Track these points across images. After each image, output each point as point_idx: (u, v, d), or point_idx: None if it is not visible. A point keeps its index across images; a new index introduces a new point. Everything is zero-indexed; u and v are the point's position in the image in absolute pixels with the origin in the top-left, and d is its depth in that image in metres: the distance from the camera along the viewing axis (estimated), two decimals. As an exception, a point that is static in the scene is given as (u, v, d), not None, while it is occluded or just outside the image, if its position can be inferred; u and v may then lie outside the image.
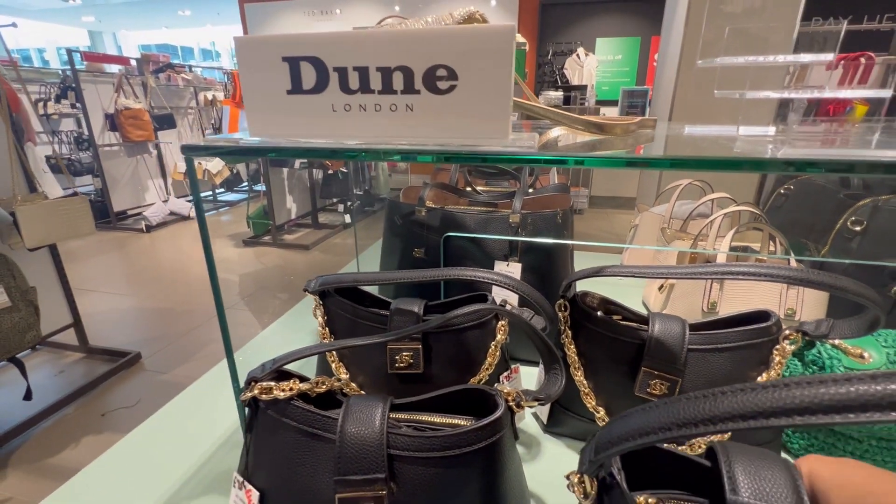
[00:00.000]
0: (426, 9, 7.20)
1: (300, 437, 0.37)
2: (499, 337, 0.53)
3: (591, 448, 0.28)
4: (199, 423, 0.63)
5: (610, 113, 5.33)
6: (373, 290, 0.64)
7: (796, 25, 2.55)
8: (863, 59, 2.72)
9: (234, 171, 5.31)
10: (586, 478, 0.29)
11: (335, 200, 4.58)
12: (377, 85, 0.36)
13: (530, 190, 0.89)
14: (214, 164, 4.81)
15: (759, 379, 0.48)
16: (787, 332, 0.48)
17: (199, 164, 4.75)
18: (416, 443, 0.35)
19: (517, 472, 0.39)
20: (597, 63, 6.28)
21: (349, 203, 4.38)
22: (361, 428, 0.35)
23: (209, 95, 5.06)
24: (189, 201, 4.65)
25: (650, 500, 0.29)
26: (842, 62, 2.99)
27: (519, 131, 0.49)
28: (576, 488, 0.29)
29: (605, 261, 1.16)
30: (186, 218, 4.56)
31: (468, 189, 0.90)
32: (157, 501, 0.50)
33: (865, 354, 0.48)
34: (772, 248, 0.77)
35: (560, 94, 4.97)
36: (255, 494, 0.37)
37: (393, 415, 0.38)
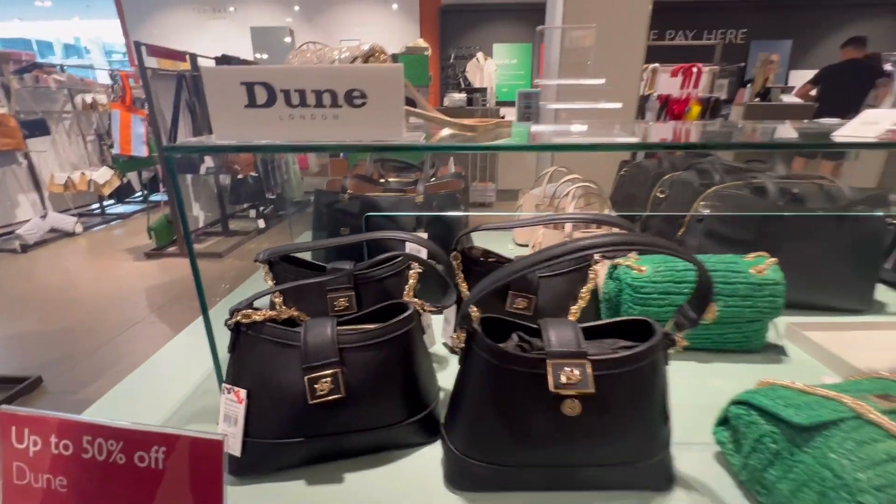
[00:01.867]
0: (327, 10, 7.16)
1: (274, 347, 0.53)
2: (411, 282, 0.72)
3: (461, 313, 0.48)
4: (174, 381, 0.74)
5: (508, 113, 5.81)
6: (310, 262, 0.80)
7: (644, 38, 3.08)
8: (694, 69, 3.34)
9: (125, 180, 4.89)
10: (459, 331, 0.49)
11: (245, 206, 4.45)
12: (312, 101, 0.54)
13: (432, 179, 1.10)
14: (101, 174, 4.40)
15: (581, 290, 0.73)
16: (597, 257, 0.74)
17: (83, 174, 4.32)
18: (355, 337, 0.53)
19: (425, 355, 0.59)
20: (495, 67, 6.77)
21: (262, 208, 4.29)
22: (319, 332, 0.52)
23: (88, 99, 4.59)
24: (74, 215, 4.21)
25: (500, 344, 0.51)
26: (681, 70, 3.62)
27: (425, 132, 0.68)
28: (452, 341, 0.50)
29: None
30: (71, 234, 4.12)
31: (381, 180, 1.08)
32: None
33: (643, 268, 0.76)
34: (606, 210, 1.06)
35: (463, 96, 5.32)
36: (243, 392, 0.53)
37: (339, 327, 0.56)
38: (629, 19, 3.02)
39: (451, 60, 7.08)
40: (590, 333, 0.52)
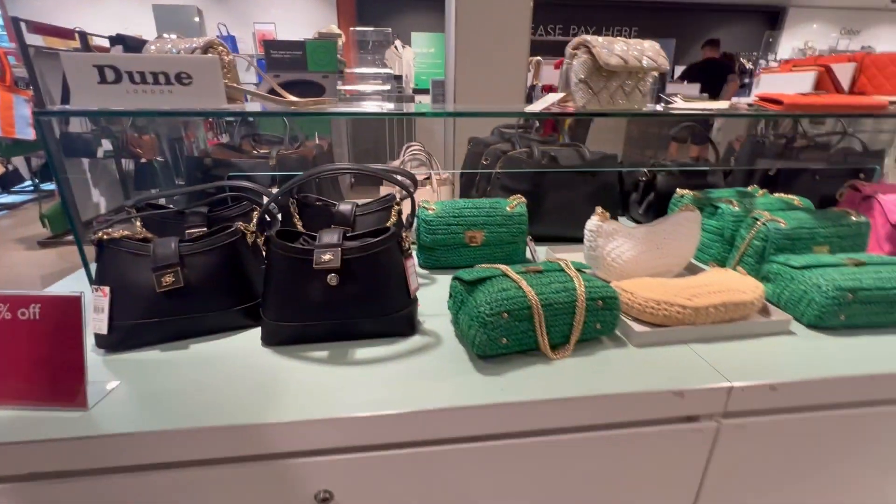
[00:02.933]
0: (238, -9, 6.88)
1: (130, 256, 0.74)
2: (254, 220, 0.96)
3: (257, 220, 0.73)
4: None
5: (425, 99, 6.07)
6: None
7: (527, 34, 3.46)
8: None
9: (10, 167, 4.53)
10: (260, 235, 0.74)
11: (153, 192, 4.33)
12: (150, 80, 0.75)
13: (299, 148, 1.33)
14: (-19, 160, 4.06)
15: (387, 223, 1.01)
16: (398, 198, 1.02)
17: (-42, 160, 3.96)
18: (189, 247, 0.76)
19: (251, 262, 0.84)
20: (413, 55, 6.97)
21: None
22: (164, 244, 0.75)
23: (-41, 77, 4.17)
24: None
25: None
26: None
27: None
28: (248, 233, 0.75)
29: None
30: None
31: (254, 151, 1.30)
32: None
33: (433, 208, 1.05)
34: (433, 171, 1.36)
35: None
36: (107, 289, 0.74)
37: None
38: (514, 15, 3.37)
39: (370, 47, 7.17)
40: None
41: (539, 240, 1.18)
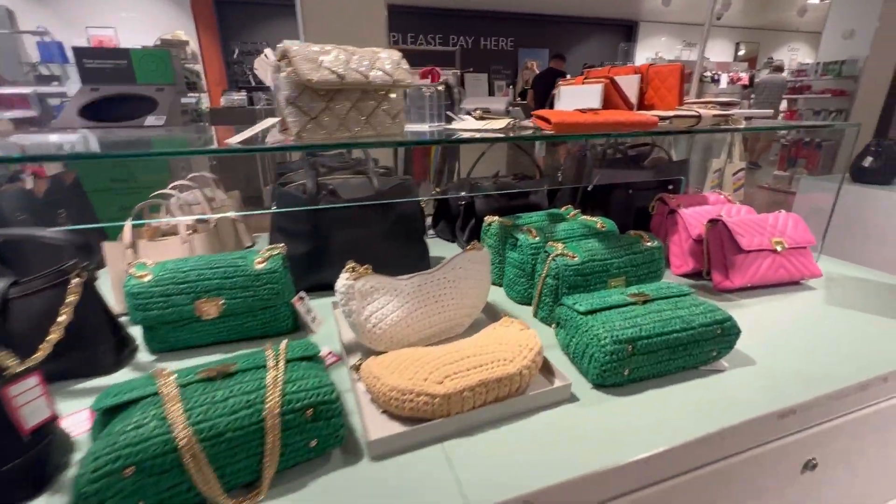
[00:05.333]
0: None
1: None
2: None
3: None
4: None
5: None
6: None
7: (385, 41, 3.28)
8: (433, 73, 3.68)
9: None
10: None
11: None
12: None
13: None
14: None
15: (62, 308, 0.70)
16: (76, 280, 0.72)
17: None
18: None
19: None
20: (287, 65, 6.50)
21: None
22: None
23: None
24: None
25: None
26: (429, 73, 3.95)
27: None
28: None
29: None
30: None
31: None
32: None
33: (146, 274, 0.77)
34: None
35: (243, 95, 4.98)
36: None
37: None
38: (367, 24, 3.17)
39: (236, 56, 6.56)
40: None
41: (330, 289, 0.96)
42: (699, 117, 0.87)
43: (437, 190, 1.37)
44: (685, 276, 1.15)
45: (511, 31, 8.16)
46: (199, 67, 5.92)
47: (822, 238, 1.16)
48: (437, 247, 1.36)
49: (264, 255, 0.83)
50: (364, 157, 1.19)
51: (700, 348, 0.73)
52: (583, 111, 0.84)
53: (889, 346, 0.83)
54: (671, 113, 0.85)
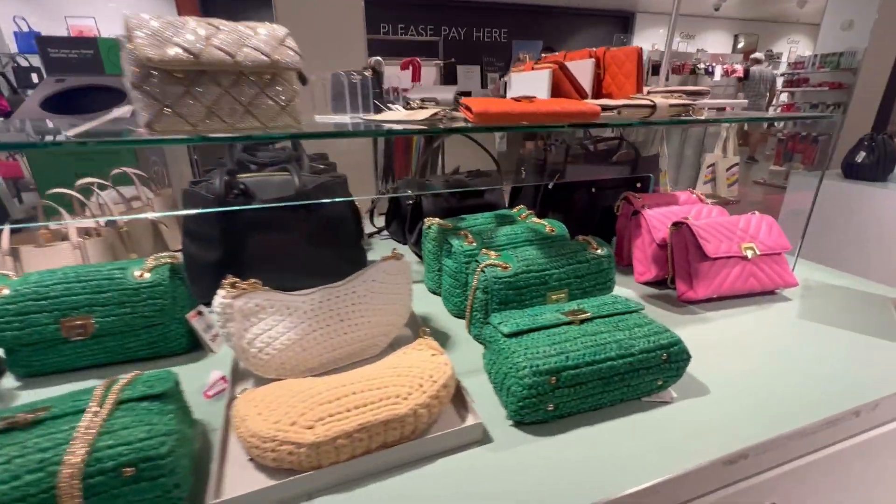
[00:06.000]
0: None
1: None
2: None
3: None
4: None
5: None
6: None
7: (362, 33, 3.17)
8: (413, 63, 3.56)
9: None
10: None
11: None
12: None
13: None
14: None
15: None
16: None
17: None
18: None
19: None
20: (273, 56, 6.35)
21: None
22: None
23: None
24: None
25: None
26: (410, 64, 3.84)
27: None
28: None
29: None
30: None
31: None
32: None
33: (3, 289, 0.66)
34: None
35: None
36: None
37: None
38: (344, 10, 3.05)
39: (221, 47, 6.40)
40: None
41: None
42: (654, 107, 0.76)
43: (390, 188, 1.26)
44: (649, 283, 1.04)
45: (505, 23, 7.99)
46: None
47: (800, 242, 1.05)
48: (389, 249, 1.26)
49: (148, 265, 0.72)
50: (296, 152, 1.08)
51: (640, 378, 0.62)
52: (518, 99, 0.72)
53: (865, 370, 0.72)
54: (619, 102, 0.74)
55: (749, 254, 0.93)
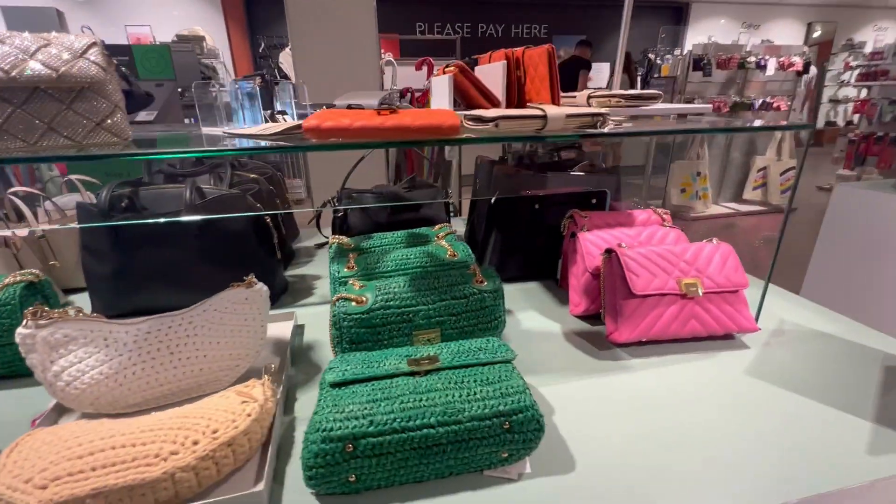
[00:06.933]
0: None
1: None
2: None
3: None
4: None
5: (316, 106, 5.64)
6: None
7: (374, 32, 3.15)
8: (427, 63, 3.51)
9: None
10: None
11: None
12: None
13: None
14: None
15: None
16: None
17: None
18: None
19: None
20: (310, 58, 6.52)
21: None
22: None
23: None
24: None
25: None
26: (423, 63, 3.79)
27: None
28: None
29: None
30: None
31: None
32: None
33: None
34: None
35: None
36: None
37: None
38: (355, 12, 3.04)
39: (262, 49, 6.65)
40: None
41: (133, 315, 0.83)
42: (543, 118, 0.63)
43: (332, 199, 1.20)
44: (582, 317, 0.91)
45: (545, 17, 7.71)
46: (218, 62, 6.06)
47: (769, 274, 0.87)
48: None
49: (4, 282, 0.71)
50: (216, 161, 1.04)
51: (473, 450, 0.52)
52: (379, 111, 0.63)
53: (806, 457, 0.57)
54: (495, 113, 0.62)
55: (691, 291, 0.77)
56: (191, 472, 0.48)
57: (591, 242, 0.89)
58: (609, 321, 0.81)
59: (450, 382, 0.55)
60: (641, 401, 0.67)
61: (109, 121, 0.58)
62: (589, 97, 0.88)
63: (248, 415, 0.54)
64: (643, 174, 4.07)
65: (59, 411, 0.63)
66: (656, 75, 6.56)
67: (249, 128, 0.75)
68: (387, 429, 0.49)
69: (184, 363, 0.63)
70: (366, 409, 0.51)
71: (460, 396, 0.53)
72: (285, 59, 6.76)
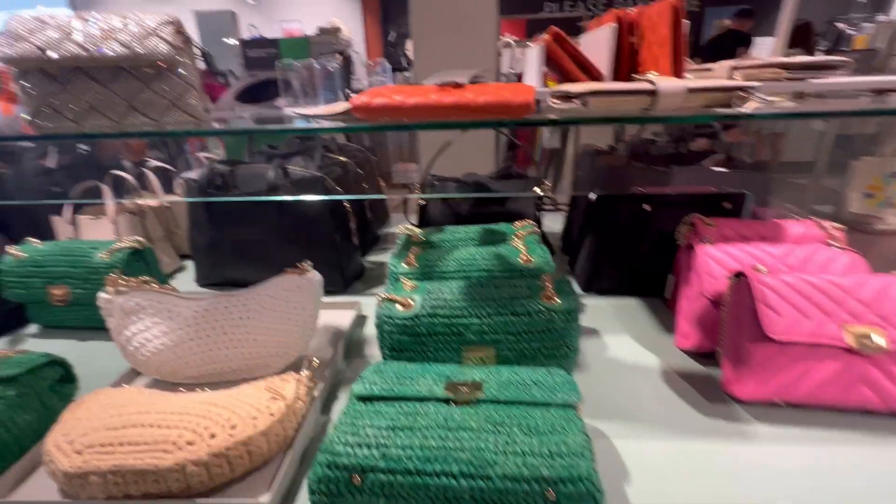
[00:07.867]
0: None
1: None
2: None
3: None
4: None
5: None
6: None
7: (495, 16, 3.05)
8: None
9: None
10: None
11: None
12: None
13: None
14: None
15: None
16: None
17: None
18: None
19: None
20: (435, 44, 6.64)
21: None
22: None
23: None
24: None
25: None
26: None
27: None
28: None
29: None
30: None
31: None
32: None
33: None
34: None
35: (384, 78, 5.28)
36: None
37: None
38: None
39: (392, 38, 6.96)
40: None
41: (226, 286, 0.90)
42: (652, 92, 0.47)
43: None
44: (692, 353, 0.71)
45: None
46: (352, 50, 6.48)
47: None
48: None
49: (114, 247, 0.79)
50: (310, 143, 1.06)
51: (504, 514, 0.41)
52: (441, 87, 0.54)
53: None
54: (584, 87, 0.48)
55: (861, 344, 0.54)
56: (202, 468, 0.46)
57: (716, 259, 0.68)
58: (727, 366, 0.62)
59: (487, 422, 0.44)
60: (764, 486, 0.48)
61: (183, 100, 0.59)
62: (733, 69, 0.67)
63: (272, 414, 0.50)
64: (810, 173, 3.28)
65: (135, 372, 0.69)
66: (844, 49, 5.26)
67: (312, 108, 0.72)
68: (399, 467, 0.41)
69: (235, 345, 0.63)
70: (382, 437, 0.43)
71: (495, 444, 0.42)
72: (411, 48, 7.05)
